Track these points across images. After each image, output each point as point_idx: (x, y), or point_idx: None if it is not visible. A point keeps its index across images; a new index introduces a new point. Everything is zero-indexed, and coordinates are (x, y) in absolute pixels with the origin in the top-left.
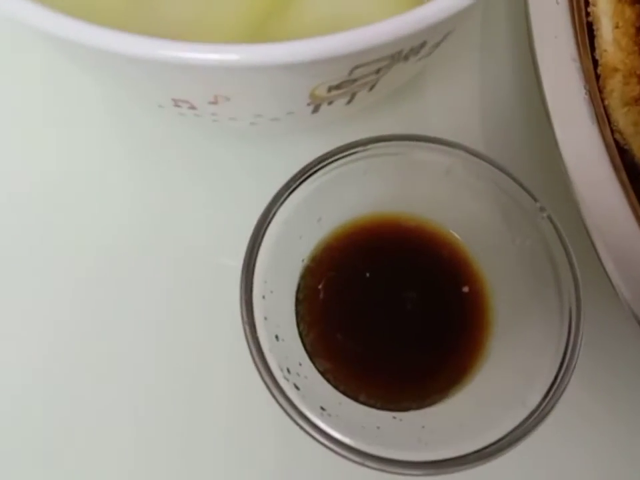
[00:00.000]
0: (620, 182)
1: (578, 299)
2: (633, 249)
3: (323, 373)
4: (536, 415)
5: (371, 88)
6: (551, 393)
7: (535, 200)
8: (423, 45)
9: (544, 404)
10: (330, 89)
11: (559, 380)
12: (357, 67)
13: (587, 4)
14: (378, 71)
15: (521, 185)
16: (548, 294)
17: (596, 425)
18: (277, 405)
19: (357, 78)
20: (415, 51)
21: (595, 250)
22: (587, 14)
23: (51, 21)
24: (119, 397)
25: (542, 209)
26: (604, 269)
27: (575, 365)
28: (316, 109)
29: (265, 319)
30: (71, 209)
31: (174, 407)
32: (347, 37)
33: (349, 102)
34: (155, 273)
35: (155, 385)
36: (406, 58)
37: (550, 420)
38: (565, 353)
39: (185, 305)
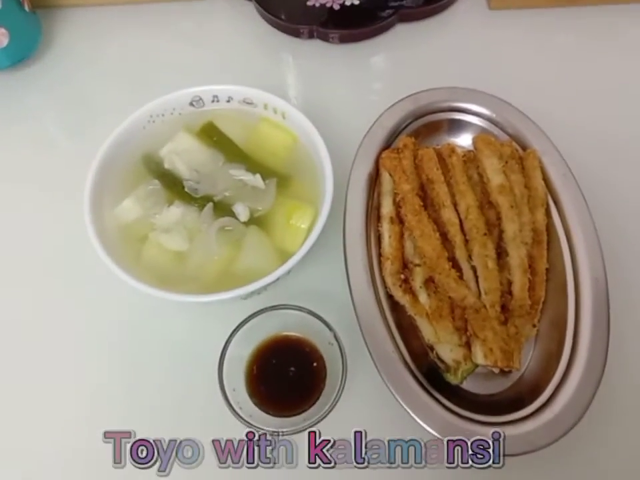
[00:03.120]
0: (383, 319)
1: (345, 370)
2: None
3: (254, 403)
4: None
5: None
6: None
7: (330, 329)
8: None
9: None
10: (246, 297)
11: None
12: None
13: (378, 223)
14: (266, 287)
15: (321, 319)
16: (337, 369)
17: None
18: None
19: (259, 290)
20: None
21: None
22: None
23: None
24: None
25: (332, 330)
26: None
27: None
28: (245, 298)
29: (234, 390)
30: None
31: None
32: (256, 283)
33: (258, 294)
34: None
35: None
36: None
37: None
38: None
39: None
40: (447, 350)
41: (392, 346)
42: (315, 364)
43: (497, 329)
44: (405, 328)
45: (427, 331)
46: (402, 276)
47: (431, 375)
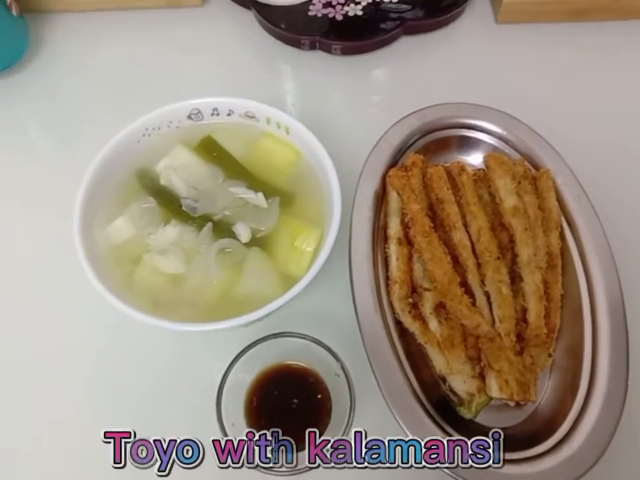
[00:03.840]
0: (392, 347)
1: (353, 404)
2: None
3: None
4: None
5: (267, 316)
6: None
7: (337, 359)
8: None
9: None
10: (247, 325)
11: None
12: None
13: (385, 244)
14: (268, 315)
15: (328, 349)
16: (344, 401)
17: None
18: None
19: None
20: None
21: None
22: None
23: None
24: None
25: (339, 361)
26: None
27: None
28: (245, 326)
29: (232, 425)
30: None
31: None
32: (257, 312)
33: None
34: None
35: None
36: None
37: None
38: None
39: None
40: (460, 382)
41: (402, 377)
42: (319, 395)
43: (513, 359)
44: (415, 355)
45: (439, 361)
46: (410, 300)
47: (442, 406)
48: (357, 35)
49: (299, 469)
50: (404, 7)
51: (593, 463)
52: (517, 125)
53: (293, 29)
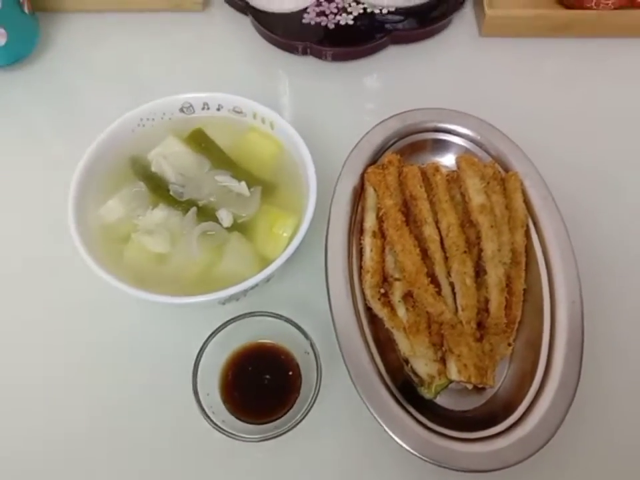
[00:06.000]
0: (360, 330)
1: (319, 379)
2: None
3: (227, 409)
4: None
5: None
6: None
7: (307, 337)
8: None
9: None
10: (224, 302)
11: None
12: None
13: (360, 236)
14: (245, 293)
15: (299, 328)
16: (312, 378)
17: None
18: (204, 421)
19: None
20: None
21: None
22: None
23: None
24: None
25: (308, 339)
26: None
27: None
28: (223, 304)
29: (207, 394)
30: None
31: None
32: (235, 287)
33: (237, 300)
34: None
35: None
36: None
37: None
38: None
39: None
40: (422, 364)
41: (368, 358)
42: (290, 372)
43: (472, 345)
44: (382, 341)
45: (403, 344)
46: (381, 289)
47: (406, 389)
48: (347, 42)
49: (268, 436)
50: (393, 17)
51: (543, 442)
52: (490, 130)
53: (287, 35)
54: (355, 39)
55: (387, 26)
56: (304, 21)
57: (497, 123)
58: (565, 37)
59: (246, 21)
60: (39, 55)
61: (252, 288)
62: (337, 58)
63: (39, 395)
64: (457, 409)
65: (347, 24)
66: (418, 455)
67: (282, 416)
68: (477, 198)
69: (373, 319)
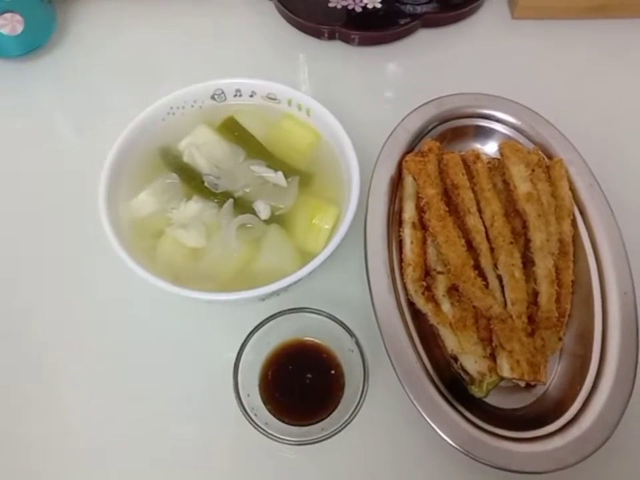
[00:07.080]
0: (405, 327)
1: (366, 377)
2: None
3: (269, 410)
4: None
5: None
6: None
7: (351, 334)
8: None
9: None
10: (265, 298)
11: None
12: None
13: (399, 227)
14: (285, 289)
15: (342, 324)
16: (356, 377)
17: None
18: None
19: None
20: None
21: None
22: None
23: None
24: None
25: (353, 336)
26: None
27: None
28: (263, 299)
29: (248, 395)
30: None
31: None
32: (276, 284)
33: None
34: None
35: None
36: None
37: None
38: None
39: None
40: (472, 361)
41: (414, 355)
42: (332, 371)
43: (524, 340)
44: (427, 336)
45: (450, 340)
46: (424, 283)
47: (453, 386)
48: (375, 27)
49: (317, 438)
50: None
51: (601, 443)
52: (532, 116)
53: (313, 19)
54: (383, 23)
55: (417, 8)
56: (330, 4)
57: (533, 108)
58: (600, 18)
59: (269, 5)
60: (56, 44)
61: (295, 283)
62: (364, 42)
63: (80, 398)
64: (506, 407)
65: (374, 7)
66: (472, 456)
67: (327, 417)
68: (522, 186)
69: (416, 314)
